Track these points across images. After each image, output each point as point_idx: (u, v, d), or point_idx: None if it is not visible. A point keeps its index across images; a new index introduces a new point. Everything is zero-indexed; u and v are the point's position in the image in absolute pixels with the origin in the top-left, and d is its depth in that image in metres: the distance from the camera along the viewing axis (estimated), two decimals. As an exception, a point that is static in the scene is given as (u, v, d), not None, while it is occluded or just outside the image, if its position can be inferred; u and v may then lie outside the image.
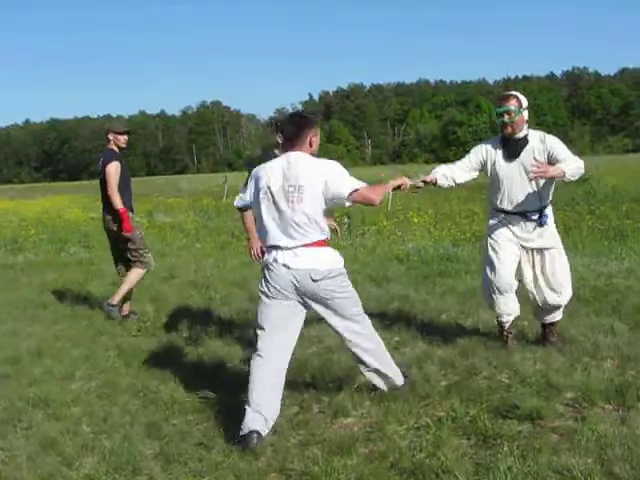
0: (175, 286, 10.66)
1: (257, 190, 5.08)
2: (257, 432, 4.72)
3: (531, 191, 6.21)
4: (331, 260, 5.02)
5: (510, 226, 6.32)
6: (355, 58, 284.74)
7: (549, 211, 6.35)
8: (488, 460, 4.23)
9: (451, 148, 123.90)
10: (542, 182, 6.17)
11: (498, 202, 6.36)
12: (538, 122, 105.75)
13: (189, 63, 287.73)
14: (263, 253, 6.40)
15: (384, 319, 7.41)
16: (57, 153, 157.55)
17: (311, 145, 5.09)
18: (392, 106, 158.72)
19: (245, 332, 7.35)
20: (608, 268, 9.75)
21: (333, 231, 6.77)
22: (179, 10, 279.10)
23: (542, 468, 4.03)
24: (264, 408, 4.84)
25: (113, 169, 8.52)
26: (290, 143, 5.08)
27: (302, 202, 4.89)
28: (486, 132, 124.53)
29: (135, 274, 8.76)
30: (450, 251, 12.58)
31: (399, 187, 5.57)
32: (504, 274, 6.30)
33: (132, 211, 8.78)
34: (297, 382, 5.78)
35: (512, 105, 6.15)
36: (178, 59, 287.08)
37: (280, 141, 6.70)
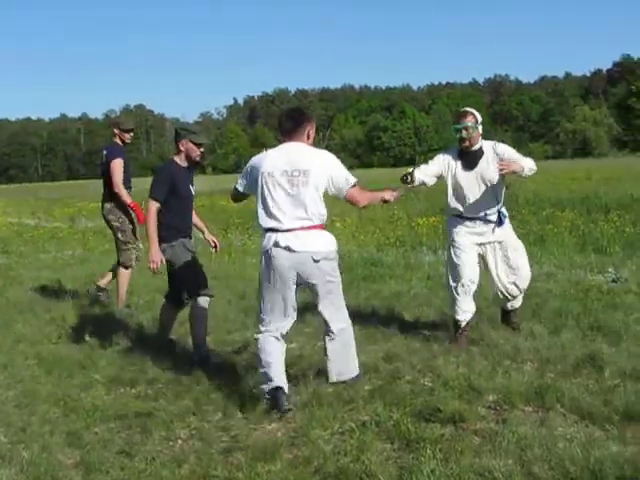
0: (97, 292, 10.44)
1: (256, 177, 5.31)
2: (281, 388, 5.09)
3: (488, 196, 6.70)
4: (330, 242, 5.35)
5: (471, 229, 6.75)
6: (280, 63, 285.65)
7: (504, 210, 6.90)
8: (411, 463, 4.26)
9: (376, 153, 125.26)
10: (497, 186, 6.70)
11: (460, 209, 6.77)
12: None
13: (112, 65, 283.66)
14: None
15: (308, 325, 7.32)
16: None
17: (309, 137, 5.43)
18: (317, 111, 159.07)
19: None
20: (528, 272, 9.90)
21: (213, 247, 7.22)
22: (99, 12, 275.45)
23: (464, 470, 4.08)
24: (282, 379, 5.28)
25: (117, 167, 8.93)
26: (289, 136, 5.38)
27: (308, 185, 5.17)
28: (410, 137, 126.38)
29: (122, 276, 9.14)
30: (374, 256, 12.67)
31: (387, 201, 5.94)
32: (467, 275, 6.69)
33: None
34: (221, 387, 5.75)
35: (469, 122, 6.61)
36: (100, 61, 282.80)
37: (182, 149, 6.67)
